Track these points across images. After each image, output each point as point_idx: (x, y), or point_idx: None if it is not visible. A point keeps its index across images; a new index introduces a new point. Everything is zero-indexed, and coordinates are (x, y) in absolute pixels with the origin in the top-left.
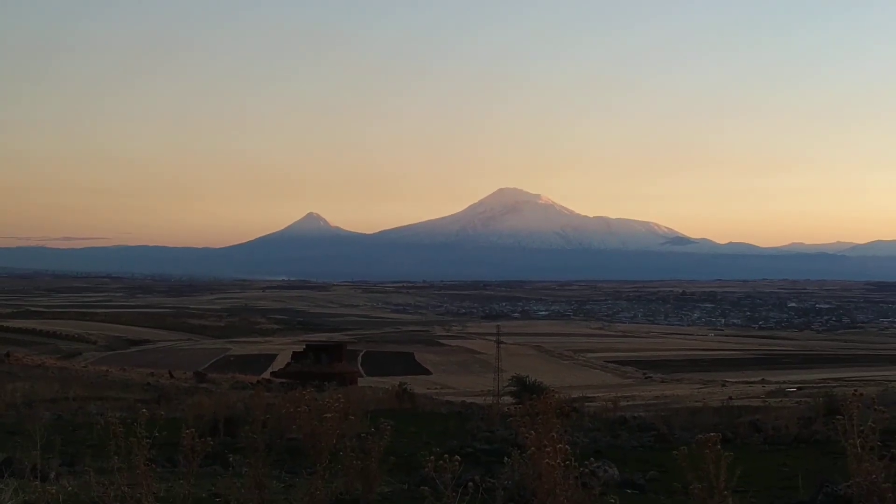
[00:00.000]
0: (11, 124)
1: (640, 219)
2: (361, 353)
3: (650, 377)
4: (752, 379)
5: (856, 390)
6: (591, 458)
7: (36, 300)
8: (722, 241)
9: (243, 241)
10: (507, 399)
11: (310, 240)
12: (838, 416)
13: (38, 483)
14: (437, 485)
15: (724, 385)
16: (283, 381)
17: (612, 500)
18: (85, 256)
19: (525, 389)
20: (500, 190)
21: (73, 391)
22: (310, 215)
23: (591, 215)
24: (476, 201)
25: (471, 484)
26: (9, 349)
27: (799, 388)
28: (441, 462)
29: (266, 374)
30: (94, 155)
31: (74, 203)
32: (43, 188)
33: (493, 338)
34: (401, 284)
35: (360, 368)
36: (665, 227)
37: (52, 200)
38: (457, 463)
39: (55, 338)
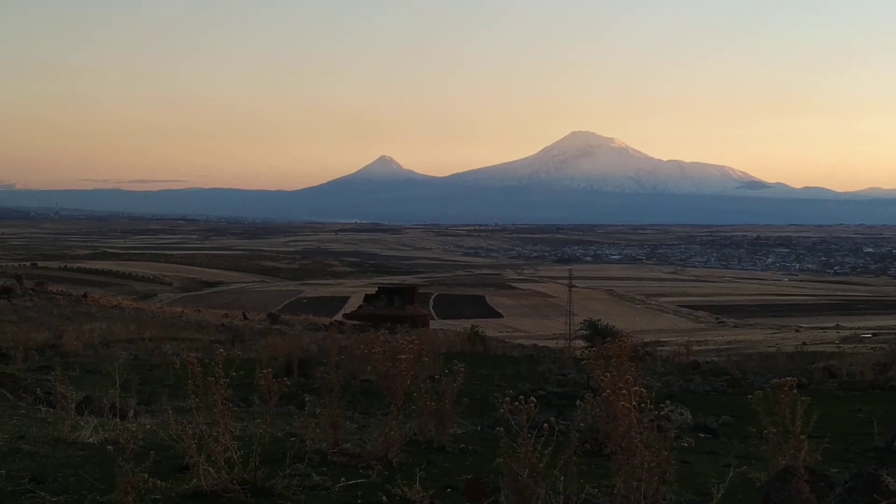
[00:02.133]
0: (89, 66)
1: (714, 163)
2: (433, 296)
3: (723, 322)
4: (827, 325)
5: None
6: (666, 402)
7: (112, 242)
8: (797, 185)
9: (316, 183)
10: (579, 343)
11: (382, 183)
12: None
13: (117, 421)
14: (511, 426)
15: (797, 331)
16: (356, 323)
17: (687, 444)
18: (160, 199)
19: (597, 333)
20: (574, 133)
21: (148, 332)
22: (382, 158)
23: (665, 159)
24: (549, 144)
25: (546, 425)
26: (86, 290)
27: (874, 335)
28: (516, 403)
29: (338, 317)
30: (170, 96)
31: (150, 145)
32: (119, 130)
33: (565, 281)
34: (473, 228)
35: (432, 311)
36: (740, 172)
37: (128, 143)
38: (532, 404)
39: (131, 279)
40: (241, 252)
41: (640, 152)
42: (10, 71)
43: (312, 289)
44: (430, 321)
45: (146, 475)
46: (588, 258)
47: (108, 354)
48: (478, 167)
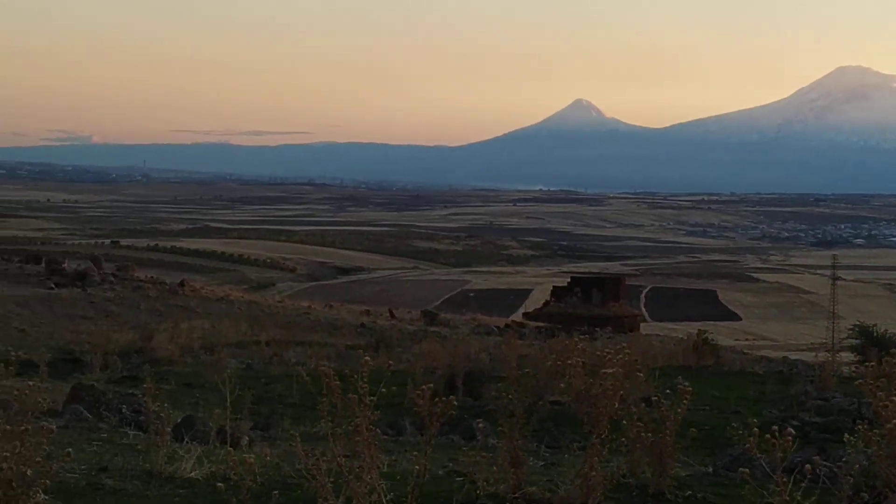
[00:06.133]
0: None
1: None
2: (645, 290)
3: None
4: None
5: None
6: None
7: (217, 213)
8: None
9: (488, 136)
10: (847, 356)
11: (577, 135)
12: None
13: (228, 450)
14: (758, 467)
15: None
16: (540, 325)
17: None
18: (279, 156)
19: (872, 343)
20: (840, 69)
21: (265, 333)
22: (577, 103)
23: None
24: (805, 85)
25: (807, 467)
26: (184, 277)
27: None
28: (766, 437)
29: (517, 316)
30: (293, 24)
31: (266, 87)
32: (224, 67)
33: (827, 272)
34: (699, 198)
35: (644, 310)
36: None
37: (236, 83)
38: (789, 438)
39: (241, 263)
40: (387, 228)
41: None
42: None
43: (482, 278)
44: (642, 323)
45: None
46: (859, 241)
47: (213, 362)
48: (706, 115)
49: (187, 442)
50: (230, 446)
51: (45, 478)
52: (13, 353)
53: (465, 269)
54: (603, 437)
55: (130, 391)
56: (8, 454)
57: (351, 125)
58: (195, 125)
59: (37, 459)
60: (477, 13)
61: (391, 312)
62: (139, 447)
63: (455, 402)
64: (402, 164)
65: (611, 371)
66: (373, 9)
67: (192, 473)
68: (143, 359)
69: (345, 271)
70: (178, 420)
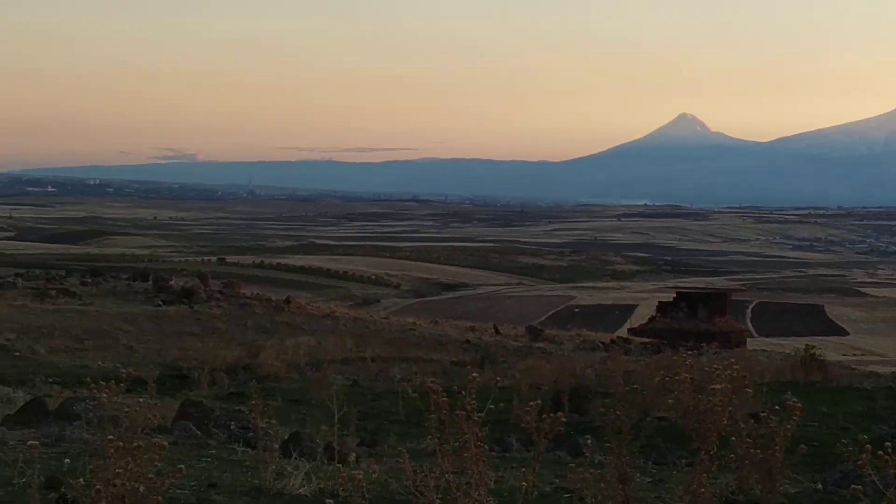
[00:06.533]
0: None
1: None
2: (751, 305)
3: None
4: None
5: None
6: None
7: (321, 230)
8: None
9: (593, 152)
10: None
11: (682, 150)
12: None
13: (337, 466)
14: (870, 484)
15: None
16: (646, 340)
17: None
18: (384, 173)
19: None
20: None
21: (370, 349)
22: (682, 117)
23: None
24: None
25: None
26: (289, 293)
27: None
28: (879, 453)
29: (622, 331)
30: (399, 39)
31: (372, 104)
32: (330, 83)
33: None
34: (806, 212)
35: (750, 325)
36: None
37: (342, 100)
38: None
39: (346, 279)
40: (491, 244)
41: None
42: (192, 8)
43: (586, 294)
44: (748, 339)
45: None
46: None
47: (319, 379)
48: (812, 129)
49: (295, 458)
50: (338, 463)
51: (157, 494)
52: (123, 370)
53: (570, 284)
54: (711, 453)
55: (237, 407)
56: (121, 470)
57: (456, 141)
58: (300, 142)
59: (149, 476)
60: (579, 29)
61: (496, 328)
62: (247, 463)
63: (564, 419)
64: (506, 179)
65: (719, 387)
66: (474, 26)
67: (301, 490)
68: (250, 375)
69: (449, 287)
70: (286, 436)
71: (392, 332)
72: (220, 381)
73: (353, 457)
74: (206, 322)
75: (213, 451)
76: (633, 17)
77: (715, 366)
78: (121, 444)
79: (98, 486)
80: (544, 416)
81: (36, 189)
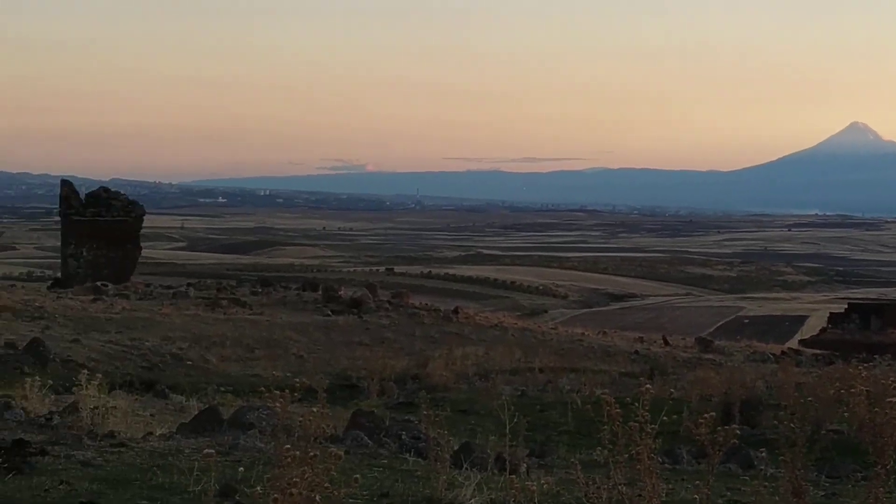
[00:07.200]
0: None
1: None
2: None
3: None
4: None
5: None
6: None
7: (488, 240)
8: None
9: (761, 161)
10: None
11: (853, 159)
12: None
13: (510, 477)
14: None
15: None
16: (817, 352)
17: None
18: (551, 183)
19: None
20: None
21: (538, 360)
22: (853, 126)
23: None
24: None
25: None
26: (457, 303)
27: None
28: None
29: (793, 343)
30: (569, 48)
31: (538, 113)
32: (496, 95)
33: None
34: None
35: None
36: None
37: (509, 111)
38: None
39: (514, 289)
40: (659, 255)
41: None
42: (360, 22)
43: (756, 305)
44: None
45: None
46: None
47: (488, 389)
48: None
49: (466, 468)
50: (509, 473)
51: (333, 503)
52: (298, 380)
53: (740, 295)
54: (888, 467)
55: (407, 417)
56: (297, 479)
57: (623, 151)
58: (467, 153)
59: (325, 485)
60: (749, 40)
61: (665, 339)
62: (419, 473)
63: (738, 431)
64: (674, 189)
65: (893, 400)
66: (645, 36)
67: (472, 500)
68: (419, 385)
69: (617, 298)
70: (457, 447)
71: (560, 343)
72: (388, 390)
73: (523, 467)
74: (374, 332)
75: (385, 461)
76: (804, 26)
77: (891, 378)
78: (297, 453)
79: (276, 496)
80: (718, 428)
81: (207, 200)
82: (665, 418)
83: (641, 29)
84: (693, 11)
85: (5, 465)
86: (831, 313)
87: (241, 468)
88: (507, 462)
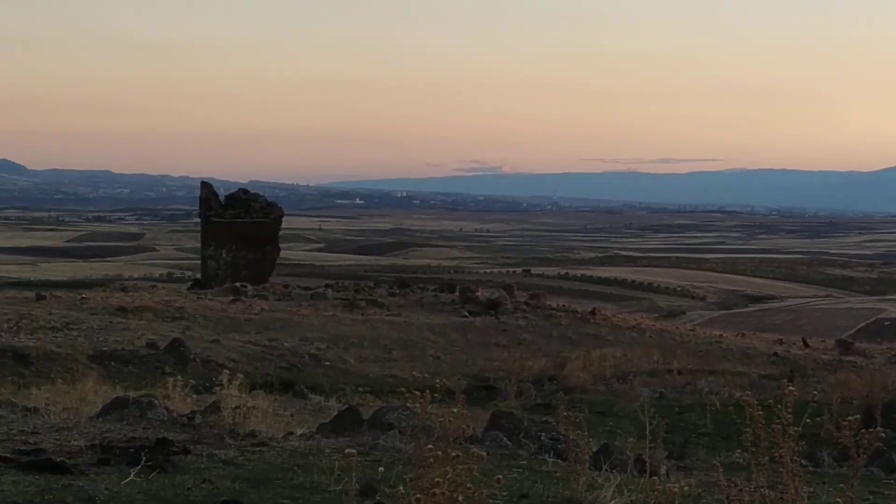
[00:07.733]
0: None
1: None
2: None
3: None
4: None
5: None
6: None
7: (625, 241)
8: None
9: None
10: None
11: None
12: None
13: (652, 479)
14: None
15: None
16: None
17: None
18: (688, 184)
19: None
20: None
21: (676, 361)
22: None
23: None
24: None
25: None
26: (594, 305)
27: None
28: None
29: None
30: (694, 52)
31: (675, 114)
32: (634, 96)
33: None
34: None
35: None
36: None
37: (646, 112)
38: None
39: (651, 291)
40: (799, 256)
41: None
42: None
43: None
44: None
45: None
46: None
47: (626, 391)
48: None
49: (606, 470)
50: (649, 475)
51: None
52: (438, 381)
53: (881, 297)
54: None
55: (545, 418)
56: (440, 479)
57: (762, 151)
58: (604, 154)
59: (467, 485)
60: (888, 34)
61: (804, 341)
62: (558, 475)
63: (883, 434)
64: (813, 190)
65: None
66: (782, 35)
67: (612, 502)
68: (556, 386)
69: (756, 299)
70: (596, 448)
71: (698, 345)
72: (526, 392)
73: (663, 470)
74: (511, 333)
75: (524, 462)
76: None
77: None
78: (439, 453)
79: (418, 496)
80: (867, 430)
81: (345, 202)
82: (807, 421)
83: (780, 28)
84: (832, 8)
85: (149, 464)
86: None
87: (381, 468)
88: (647, 464)
